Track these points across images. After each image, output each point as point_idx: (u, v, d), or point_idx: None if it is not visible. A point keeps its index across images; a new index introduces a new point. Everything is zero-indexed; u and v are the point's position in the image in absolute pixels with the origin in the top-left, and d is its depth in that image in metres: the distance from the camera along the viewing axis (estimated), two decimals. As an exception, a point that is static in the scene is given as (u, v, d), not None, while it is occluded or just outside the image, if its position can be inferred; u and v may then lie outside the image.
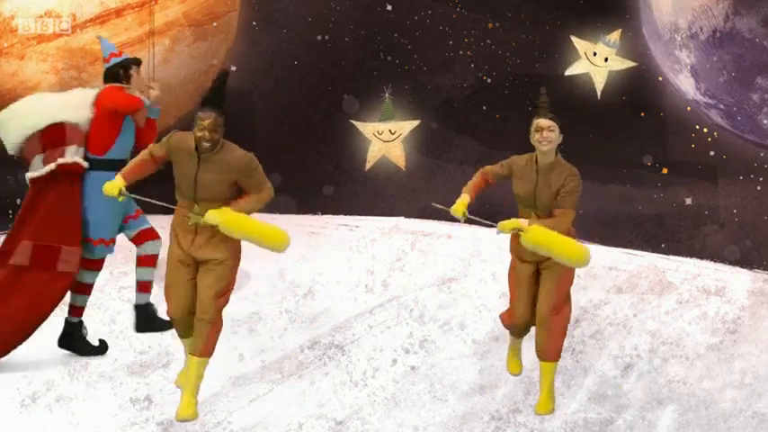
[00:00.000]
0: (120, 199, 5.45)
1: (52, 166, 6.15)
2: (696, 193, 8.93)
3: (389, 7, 9.38)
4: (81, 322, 6.29)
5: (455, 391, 5.79)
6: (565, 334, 5.59)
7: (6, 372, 5.79)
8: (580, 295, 7.52)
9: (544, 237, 5.34)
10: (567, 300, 5.59)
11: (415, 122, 9.24)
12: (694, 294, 7.62)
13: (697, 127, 8.87)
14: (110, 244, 6.30)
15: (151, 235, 6.47)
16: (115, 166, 5.97)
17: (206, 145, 5.28)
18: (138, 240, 6.45)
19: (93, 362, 6.02)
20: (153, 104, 6.29)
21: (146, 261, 6.49)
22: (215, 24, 9.55)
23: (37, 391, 5.57)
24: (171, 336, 6.51)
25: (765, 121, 8.74)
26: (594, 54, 9.00)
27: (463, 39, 9.31)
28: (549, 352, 5.51)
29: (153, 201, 5.54)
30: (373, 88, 9.11)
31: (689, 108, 8.93)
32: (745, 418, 5.48)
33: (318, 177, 9.23)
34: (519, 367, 5.84)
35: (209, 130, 5.25)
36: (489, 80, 9.20)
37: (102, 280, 7.41)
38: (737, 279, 8.09)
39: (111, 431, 5.16)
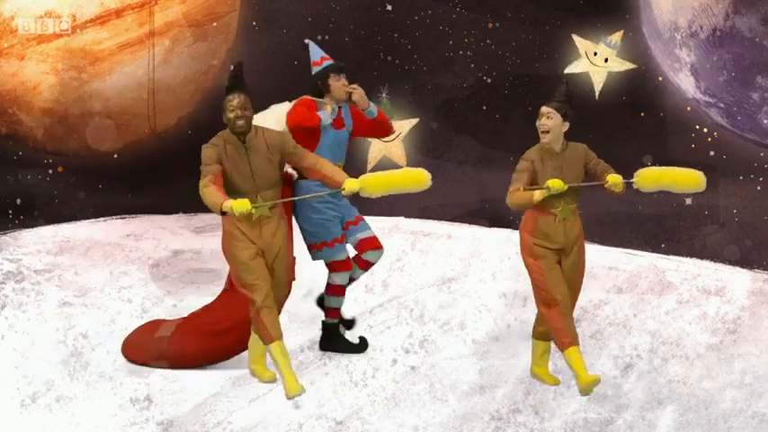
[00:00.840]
0: (255, 212, 5.46)
1: None
2: (696, 193, 8.92)
3: (389, 7, 9.38)
4: (338, 323, 6.38)
5: (455, 391, 5.79)
6: None
7: (6, 372, 5.80)
8: (580, 295, 7.52)
9: (657, 174, 5.65)
10: None
11: (414, 120, 9.25)
12: (694, 294, 7.62)
13: (697, 127, 8.87)
14: (334, 244, 6.24)
15: (373, 244, 6.34)
16: None
17: (240, 123, 5.44)
18: (359, 248, 6.35)
19: (93, 362, 6.03)
20: (361, 105, 6.21)
21: (363, 265, 6.39)
22: (215, 24, 9.55)
23: (37, 391, 5.57)
24: (171, 336, 6.51)
25: (765, 121, 8.74)
26: (595, 54, 9.00)
27: (463, 39, 9.31)
28: (575, 336, 5.63)
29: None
30: (373, 88, 9.11)
31: (689, 108, 8.92)
32: (745, 418, 5.48)
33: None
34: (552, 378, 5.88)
35: (239, 108, 5.44)
36: (489, 80, 9.20)
37: (101, 280, 7.43)
38: (737, 279, 8.10)
39: (111, 431, 5.16)
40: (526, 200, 5.57)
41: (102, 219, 9.13)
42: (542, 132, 5.61)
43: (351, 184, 5.48)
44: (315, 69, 6.28)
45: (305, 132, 6.06)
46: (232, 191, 5.49)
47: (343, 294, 6.35)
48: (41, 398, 5.49)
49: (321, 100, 6.19)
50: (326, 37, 9.43)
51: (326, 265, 6.29)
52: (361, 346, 6.38)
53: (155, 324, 6.21)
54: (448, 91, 9.34)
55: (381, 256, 6.39)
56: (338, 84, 6.18)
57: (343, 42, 9.40)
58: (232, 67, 5.83)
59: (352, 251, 6.36)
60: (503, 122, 9.15)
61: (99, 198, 9.33)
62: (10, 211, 8.96)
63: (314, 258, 6.28)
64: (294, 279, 5.93)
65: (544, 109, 5.60)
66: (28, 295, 7.02)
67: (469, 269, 7.91)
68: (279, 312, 5.71)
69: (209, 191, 5.39)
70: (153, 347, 5.99)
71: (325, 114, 6.11)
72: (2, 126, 9.21)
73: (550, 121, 5.58)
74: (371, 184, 5.50)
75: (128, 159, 9.43)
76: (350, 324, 6.50)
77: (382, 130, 6.39)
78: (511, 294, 7.35)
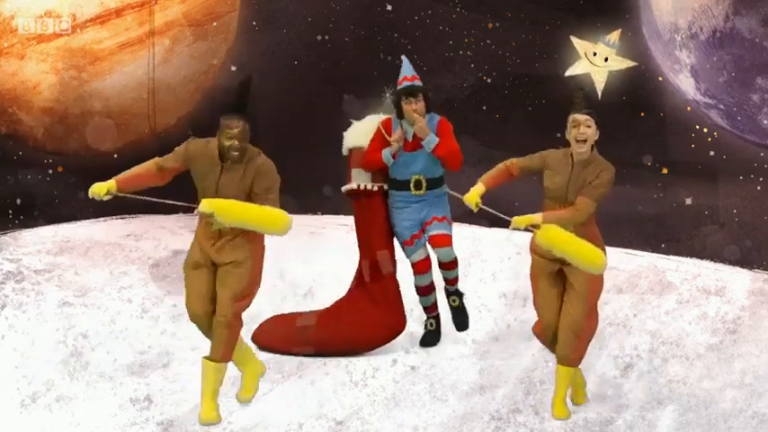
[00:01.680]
0: (106, 198, 5.46)
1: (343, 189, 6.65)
2: (696, 193, 8.92)
3: (389, 7, 9.38)
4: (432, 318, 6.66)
5: (455, 391, 5.79)
6: (590, 340, 5.49)
7: (6, 372, 5.79)
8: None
9: (559, 237, 5.15)
10: (596, 304, 5.48)
11: None
12: (694, 294, 7.62)
13: (697, 127, 8.87)
14: (405, 246, 6.57)
15: (436, 241, 6.52)
16: (397, 185, 6.46)
17: (234, 154, 5.23)
18: (431, 244, 6.59)
19: (93, 362, 6.03)
20: (420, 136, 6.37)
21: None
22: (215, 24, 9.54)
23: (37, 391, 5.57)
24: (171, 336, 6.52)
25: (765, 122, 8.74)
26: (594, 54, 9.00)
27: (463, 39, 9.31)
28: (574, 358, 5.41)
29: (144, 198, 5.48)
30: (373, 88, 9.10)
31: (689, 108, 8.92)
32: (745, 418, 5.48)
33: (318, 177, 9.21)
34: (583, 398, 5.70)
35: (238, 139, 5.21)
36: (489, 80, 9.19)
37: (101, 280, 7.43)
38: (737, 279, 8.09)
39: (111, 431, 5.16)
40: (480, 181, 5.61)
41: (102, 219, 9.12)
42: (579, 142, 5.30)
43: (203, 206, 5.12)
44: (398, 87, 6.46)
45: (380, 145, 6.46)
46: (199, 192, 5.38)
47: (427, 293, 6.64)
48: (41, 398, 5.49)
49: (400, 121, 6.43)
50: (326, 37, 9.43)
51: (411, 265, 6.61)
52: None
53: (291, 316, 6.58)
54: (448, 91, 9.34)
55: (450, 255, 6.52)
56: (408, 108, 6.34)
57: (343, 42, 9.40)
58: (239, 83, 5.67)
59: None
60: (503, 122, 9.15)
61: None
62: (10, 211, 8.95)
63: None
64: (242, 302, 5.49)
65: (581, 117, 5.29)
66: (28, 295, 7.02)
67: (469, 269, 7.90)
68: (225, 330, 5.32)
69: (131, 169, 5.55)
70: (298, 336, 6.32)
71: (386, 154, 6.37)
72: (2, 126, 9.20)
73: (590, 129, 5.30)
74: (222, 209, 5.10)
75: (128, 159, 9.36)
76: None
77: (449, 164, 6.46)
78: (511, 294, 7.34)
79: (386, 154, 6.39)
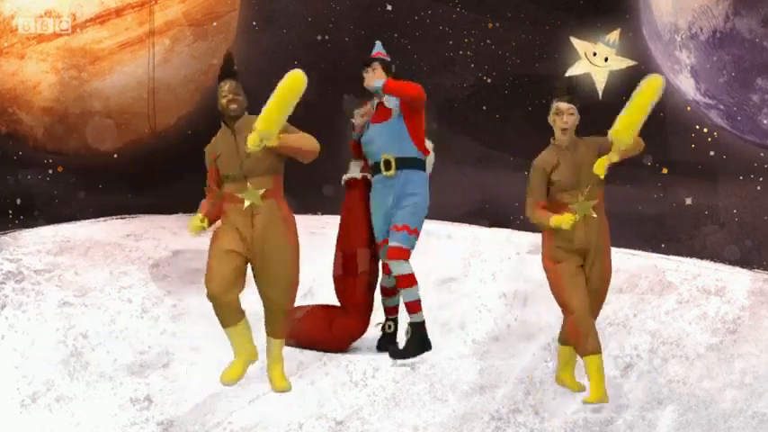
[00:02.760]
0: (245, 200, 5.50)
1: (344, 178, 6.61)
2: (696, 193, 8.93)
3: (389, 7, 9.38)
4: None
5: (455, 391, 5.78)
6: None
7: (6, 372, 5.79)
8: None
9: (628, 122, 5.29)
10: None
11: None
12: (694, 294, 7.62)
13: (697, 127, 8.87)
14: (382, 246, 6.35)
15: (393, 254, 6.19)
16: (373, 170, 6.32)
17: (233, 107, 5.52)
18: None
19: (93, 362, 6.02)
20: (368, 86, 6.42)
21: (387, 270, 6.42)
22: (215, 24, 9.55)
23: (37, 391, 5.57)
24: (171, 336, 6.51)
25: (765, 122, 8.75)
26: (594, 54, 9.00)
27: (463, 39, 9.31)
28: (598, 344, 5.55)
29: None
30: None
31: (689, 108, 8.93)
32: (745, 418, 5.48)
33: (318, 177, 9.22)
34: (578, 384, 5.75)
35: (231, 93, 5.53)
36: (489, 80, 9.20)
37: (101, 280, 7.43)
38: (737, 279, 8.09)
39: (111, 431, 5.16)
40: (544, 223, 5.48)
41: (102, 219, 9.13)
42: (563, 130, 5.45)
43: (251, 141, 5.35)
44: None
45: None
46: (225, 177, 5.56)
47: (392, 295, 6.45)
48: (41, 398, 5.48)
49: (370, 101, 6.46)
50: (326, 37, 9.44)
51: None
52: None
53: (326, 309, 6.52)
54: (448, 91, 9.35)
55: (396, 268, 6.22)
56: (366, 76, 6.40)
57: (343, 42, 9.40)
58: (223, 57, 5.92)
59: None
60: (503, 122, 9.15)
61: (99, 198, 9.33)
62: (10, 211, 8.96)
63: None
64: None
65: (564, 105, 5.42)
66: (28, 295, 7.02)
67: (469, 269, 7.90)
68: (279, 321, 5.63)
69: (203, 202, 5.67)
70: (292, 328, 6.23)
71: (355, 134, 6.45)
72: (2, 126, 9.21)
73: (572, 117, 5.44)
74: (265, 121, 5.34)
75: (128, 159, 9.42)
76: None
77: (409, 98, 6.23)
78: (511, 294, 7.34)
79: (355, 134, 6.44)
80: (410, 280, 6.16)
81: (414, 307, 6.17)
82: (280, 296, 5.59)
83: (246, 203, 5.47)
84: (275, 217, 5.51)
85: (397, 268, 6.15)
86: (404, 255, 6.14)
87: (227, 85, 5.56)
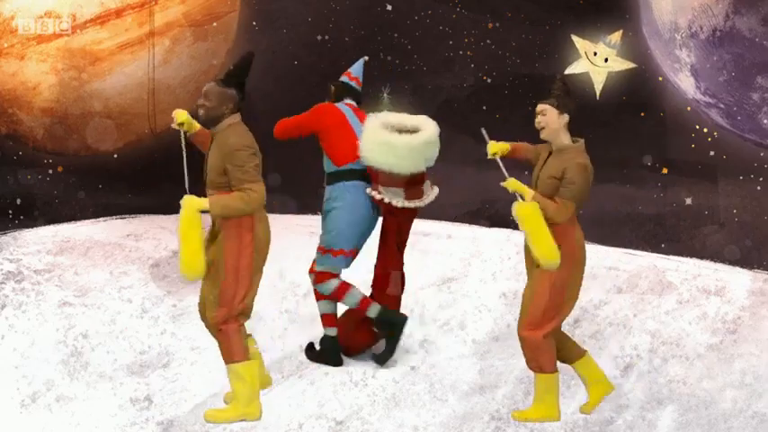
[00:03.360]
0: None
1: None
2: (696, 193, 8.92)
3: (389, 7, 9.38)
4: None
5: (455, 391, 5.78)
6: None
7: (6, 372, 5.79)
8: (580, 295, 7.51)
9: (532, 218, 5.18)
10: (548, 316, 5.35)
11: None
12: (694, 294, 7.62)
13: (697, 127, 8.87)
14: (348, 255, 6.18)
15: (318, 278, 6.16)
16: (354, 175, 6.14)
17: (200, 112, 5.24)
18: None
19: (94, 362, 6.03)
20: None
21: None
22: (215, 24, 9.54)
23: (37, 391, 5.57)
24: (171, 336, 6.52)
25: (765, 121, 8.74)
26: (595, 54, 9.00)
27: (463, 39, 9.31)
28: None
29: None
30: (374, 88, 9.11)
31: (689, 108, 8.92)
32: (745, 418, 5.48)
33: (318, 177, 9.23)
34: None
35: (203, 98, 5.23)
36: (489, 80, 9.20)
37: (101, 280, 7.43)
38: (737, 279, 8.09)
39: (111, 431, 5.16)
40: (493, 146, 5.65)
41: (102, 219, 9.13)
42: (540, 129, 5.50)
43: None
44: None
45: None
46: None
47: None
48: (41, 398, 5.48)
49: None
50: (326, 37, 9.43)
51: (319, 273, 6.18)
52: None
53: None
54: (448, 91, 9.34)
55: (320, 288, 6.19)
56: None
57: (343, 42, 9.40)
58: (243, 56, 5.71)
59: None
60: (503, 122, 9.15)
61: (99, 198, 9.32)
62: (10, 211, 8.96)
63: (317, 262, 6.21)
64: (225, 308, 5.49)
65: (538, 107, 5.48)
66: (28, 295, 7.02)
67: (469, 269, 7.90)
68: (217, 333, 5.35)
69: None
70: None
71: None
72: (2, 126, 9.20)
73: (545, 117, 5.45)
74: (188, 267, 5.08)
75: (128, 159, 9.42)
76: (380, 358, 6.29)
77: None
78: (511, 294, 7.34)
79: None
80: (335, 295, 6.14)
81: (329, 320, 6.20)
82: (208, 312, 5.34)
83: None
84: (223, 232, 5.26)
85: (322, 287, 6.16)
86: (319, 278, 6.14)
87: (204, 90, 5.32)
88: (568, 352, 5.51)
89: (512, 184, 5.36)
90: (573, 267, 5.33)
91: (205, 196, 5.28)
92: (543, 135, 5.47)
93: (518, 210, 5.26)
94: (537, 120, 5.48)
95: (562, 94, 5.46)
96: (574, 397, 5.71)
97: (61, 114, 9.29)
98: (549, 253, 5.20)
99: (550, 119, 5.43)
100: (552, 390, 5.40)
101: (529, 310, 5.33)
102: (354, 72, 6.54)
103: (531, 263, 5.38)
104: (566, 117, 5.44)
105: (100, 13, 9.33)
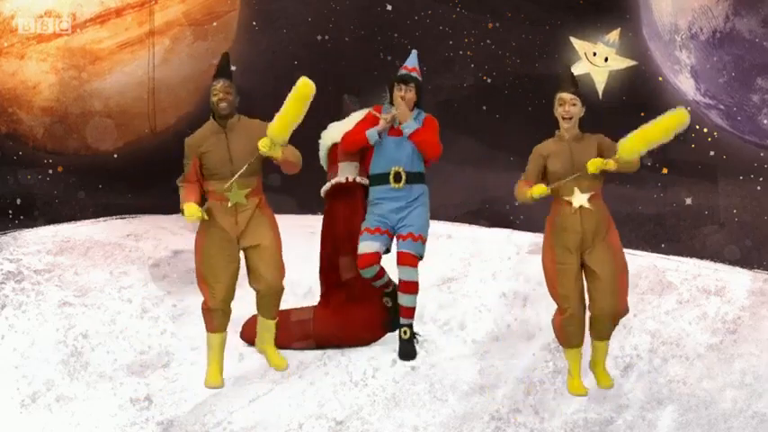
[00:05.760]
0: (230, 198, 5.75)
1: (326, 186, 6.64)
2: (696, 193, 8.92)
3: (389, 7, 9.37)
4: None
5: (455, 391, 5.78)
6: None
7: (6, 372, 5.79)
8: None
9: (641, 140, 5.42)
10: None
11: None
12: (694, 294, 7.61)
13: (697, 127, 8.86)
14: (370, 233, 6.38)
15: (402, 258, 6.30)
16: (377, 180, 6.36)
17: (223, 105, 5.73)
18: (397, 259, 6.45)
19: (93, 362, 6.02)
20: (402, 119, 6.39)
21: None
22: (215, 24, 9.54)
23: (37, 391, 5.57)
24: (171, 336, 6.51)
25: (765, 122, 8.74)
26: (594, 54, 9.00)
27: (463, 39, 9.31)
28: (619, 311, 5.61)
29: None
30: (374, 88, 9.10)
31: (689, 108, 8.91)
32: (745, 418, 5.48)
33: (318, 177, 9.23)
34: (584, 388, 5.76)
35: (222, 92, 5.72)
36: (489, 80, 9.19)
37: (101, 280, 7.43)
38: (737, 279, 8.09)
39: (111, 431, 5.15)
40: (523, 195, 5.58)
41: (102, 219, 9.13)
42: (565, 119, 5.55)
43: (262, 145, 5.60)
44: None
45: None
46: (210, 175, 5.74)
47: (374, 280, 6.38)
48: (41, 398, 5.48)
49: (390, 107, 6.42)
50: (326, 37, 9.43)
51: None
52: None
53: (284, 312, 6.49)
54: (448, 91, 9.34)
55: (412, 276, 6.32)
56: (398, 93, 6.39)
57: (343, 42, 9.40)
58: (221, 56, 6.07)
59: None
60: (503, 122, 9.15)
61: (99, 198, 9.32)
62: (10, 211, 8.96)
63: None
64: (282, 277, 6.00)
65: (566, 96, 5.54)
66: (28, 295, 7.02)
67: (469, 269, 7.90)
68: (275, 303, 5.91)
69: (182, 191, 5.77)
70: (298, 330, 6.37)
71: (371, 131, 6.32)
72: (2, 126, 9.20)
73: (575, 107, 5.54)
74: (278, 129, 5.61)
75: (128, 159, 9.42)
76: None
77: (427, 152, 6.40)
78: (511, 294, 7.34)
79: (371, 132, 6.31)
80: (415, 287, 6.32)
81: (410, 312, 6.33)
82: (276, 277, 5.83)
83: (232, 202, 5.71)
84: (258, 211, 5.82)
85: (414, 275, 6.30)
86: (415, 262, 6.30)
87: (219, 84, 5.75)
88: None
89: (594, 165, 5.47)
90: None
91: (176, 189, 5.81)
92: (568, 125, 5.56)
93: (627, 152, 5.43)
94: (566, 109, 5.54)
95: (577, 86, 5.61)
96: (574, 397, 5.71)
97: (61, 114, 9.29)
98: (674, 119, 5.47)
99: (578, 110, 5.58)
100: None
101: (621, 279, 5.52)
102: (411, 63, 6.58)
103: (581, 242, 5.47)
104: (583, 110, 5.64)
105: (100, 13, 9.33)
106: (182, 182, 5.82)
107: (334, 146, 6.61)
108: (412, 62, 6.51)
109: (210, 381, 5.72)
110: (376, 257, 6.26)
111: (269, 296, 5.88)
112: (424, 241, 6.34)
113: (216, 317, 5.79)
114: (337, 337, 6.37)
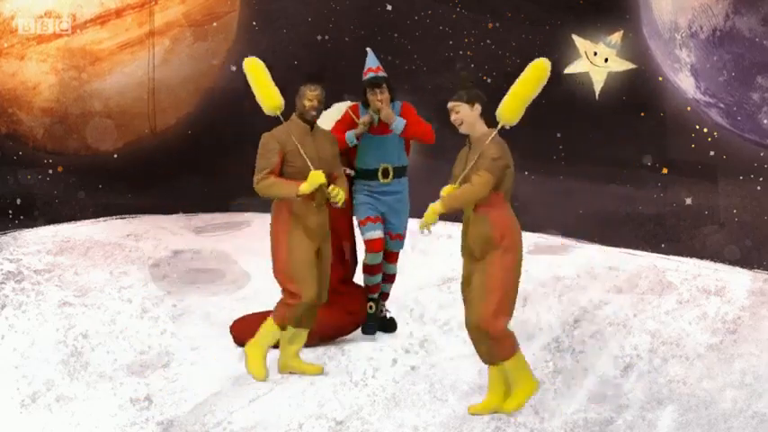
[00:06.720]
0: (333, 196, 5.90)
1: None
2: (696, 193, 8.92)
3: (389, 7, 9.38)
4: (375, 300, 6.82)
5: (455, 391, 5.78)
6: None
7: (6, 372, 5.80)
8: (580, 295, 7.52)
9: (514, 105, 5.39)
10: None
11: None
12: (694, 294, 7.62)
13: (697, 127, 8.87)
14: (368, 222, 6.70)
15: (370, 246, 6.68)
16: (364, 175, 6.64)
17: (313, 113, 5.93)
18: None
19: (93, 362, 6.03)
20: (388, 122, 6.58)
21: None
22: (215, 24, 9.55)
23: (37, 391, 5.57)
24: (171, 336, 6.52)
25: (765, 121, 8.74)
26: (595, 54, 9.00)
27: (463, 39, 9.31)
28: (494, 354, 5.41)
29: None
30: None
31: (689, 108, 8.92)
32: (745, 418, 5.48)
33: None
34: None
35: (317, 100, 5.92)
36: (489, 80, 9.19)
37: (101, 280, 7.43)
38: (737, 279, 8.09)
39: (111, 431, 5.16)
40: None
41: (102, 219, 9.13)
42: (458, 126, 5.45)
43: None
44: (365, 78, 6.70)
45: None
46: (292, 173, 5.84)
47: (376, 273, 6.70)
48: (41, 398, 5.48)
49: (368, 110, 6.65)
50: (326, 37, 9.43)
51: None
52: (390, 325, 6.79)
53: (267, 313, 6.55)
54: (448, 91, 9.32)
55: (393, 270, 6.85)
56: (373, 98, 6.60)
57: (343, 42, 9.40)
58: (319, 65, 6.36)
59: None
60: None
61: (99, 198, 9.33)
62: (10, 211, 8.96)
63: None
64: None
65: (449, 105, 5.47)
66: (28, 295, 7.02)
67: (469, 269, 7.89)
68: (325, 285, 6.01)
69: (276, 183, 5.80)
70: None
71: (350, 135, 6.55)
72: (2, 126, 9.21)
73: (458, 114, 5.43)
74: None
75: (128, 159, 9.43)
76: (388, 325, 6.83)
77: (424, 140, 6.69)
78: (511, 294, 7.34)
79: (349, 135, 6.56)
80: (395, 277, 6.87)
81: (387, 296, 6.87)
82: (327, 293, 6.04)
83: (320, 201, 5.86)
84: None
85: (391, 270, 6.82)
86: (396, 259, 6.83)
87: (316, 91, 5.93)
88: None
89: (428, 219, 5.45)
90: (516, 252, 5.37)
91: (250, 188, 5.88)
92: (462, 130, 5.45)
93: (432, 215, 5.39)
94: (452, 118, 5.47)
95: (469, 87, 5.50)
96: (574, 397, 5.71)
97: (61, 114, 9.30)
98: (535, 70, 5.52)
99: (464, 114, 5.44)
100: (524, 365, 5.40)
101: (488, 298, 5.32)
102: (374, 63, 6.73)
103: (470, 252, 5.42)
104: (478, 107, 5.45)
105: (100, 13, 9.34)
106: (266, 174, 5.83)
107: None
108: (374, 62, 6.69)
109: (260, 373, 5.82)
110: (383, 243, 6.64)
111: (316, 307, 5.97)
112: (403, 238, 6.82)
113: (306, 312, 5.86)
114: (325, 331, 6.40)
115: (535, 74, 5.50)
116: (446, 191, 5.45)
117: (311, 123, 5.99)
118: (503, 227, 5.36)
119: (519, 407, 5.40)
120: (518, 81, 5.49)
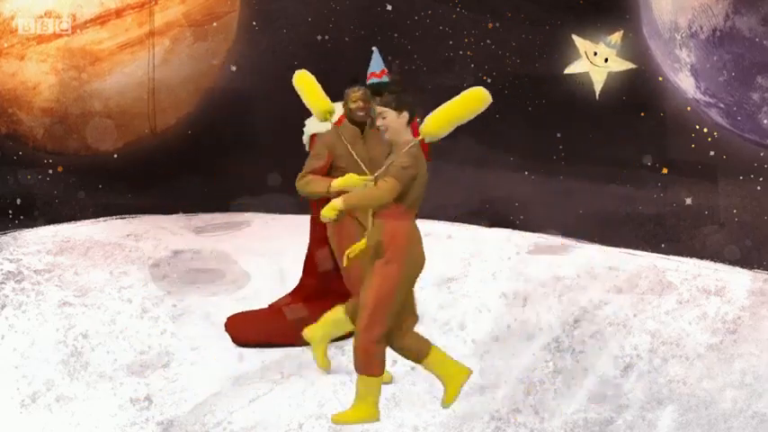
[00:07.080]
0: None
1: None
2: (696, 193, 8.92)
3: (389, 7, 9.38)
4: None
5: (455, 391, 5.78)
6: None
7: (6, 372, 5.80)
8: (580, 295, 7.51)
9: (440, 122, 5.37)
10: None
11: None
12: (694, 294, 7.61)
13: (697, 127, 8.86)
14: None
15: None
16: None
17: (361, 114, 5.92)
18: None
19: (93, 362, 6.03)
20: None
21: None
22: (215, 24, 9.55)
23: (37, 391, 5.57)
24: (171, 336, 6.52)
25: (765, 121, 8.74)
26: (595, 54, 9.00)
27: (463, 39, 9.31)
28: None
29: None
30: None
31: (689, 108, 8.92)
32: (745, 418, 5.48)
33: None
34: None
35: (362, 100, 5.93)
36: (489, 80, 9.19)
37: (101, 280, 7.43)
38: (737, 279, 8.09)
39: (111, 431, 5.16)
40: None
41: (102, 219, 9.13)
42: (384, 131, 5.30)
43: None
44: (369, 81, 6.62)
45: None
46: (343, 173, 5.74)
47: None
48: (41, 398, 5.49)
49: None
50: (326, 37, 9.43)
51: None
52: None
53: (267, 311, 6.59)
54: (448, 91, 9.32)
55: None
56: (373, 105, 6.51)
57: (343, 42, 9.40)
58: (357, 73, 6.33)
59: None
60: (503, 122, 9.15)
61: (99, 198, 9.33)
62: (10, 211, 8.96)
63: None
64: None
65: (377, 110, 5.32)
66: (28, 295, 7.02)
67: (469, 269, 7.90)
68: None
69: (312, 180, 5.78)
70: (296, 328, 6.15)
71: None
72: (2, 126, 9.20)
73: (385, 120, 5.27)
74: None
75: (128, 159, 9.43)
76: None
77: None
78: (511, 294, 7.34)
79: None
80: None
81: None
82: None
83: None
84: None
85: None
86: None
87: (360, 92, 5.98)
88: (413, 353, 5.43)
89: (327, 213, 5.22)
90: (401, 265, 5.23)
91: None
92: (387, 136, 5.29)
93: (331, 210, 5.19)
94: (377, 123, 5.31)
95: (399, 93, 5.34)
96: (574, 397, 5.71)
97: (61, 114, 9.30)
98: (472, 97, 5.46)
99: (390, 120, 5.28)
100: (375, 392, 5.30)
101: (375, 308, 5.22)
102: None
103: (375, 252, 5.28)
104: (405, 115, 5.31)
105: (100, 13, 9.33)
106: (305, 173, 5.83)
107: (313, 136, 6.70)
108: (377, 66, 6.79)
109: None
110: None
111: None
112: None
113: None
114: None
115: (471, 99, 5.45)
116: (339, 182, 5.43)
117: (361, 125, 5.99)
118: (393, 237, 5.23)
119: (454, 396, 5.42)
120: (453, 100, 5.42)
